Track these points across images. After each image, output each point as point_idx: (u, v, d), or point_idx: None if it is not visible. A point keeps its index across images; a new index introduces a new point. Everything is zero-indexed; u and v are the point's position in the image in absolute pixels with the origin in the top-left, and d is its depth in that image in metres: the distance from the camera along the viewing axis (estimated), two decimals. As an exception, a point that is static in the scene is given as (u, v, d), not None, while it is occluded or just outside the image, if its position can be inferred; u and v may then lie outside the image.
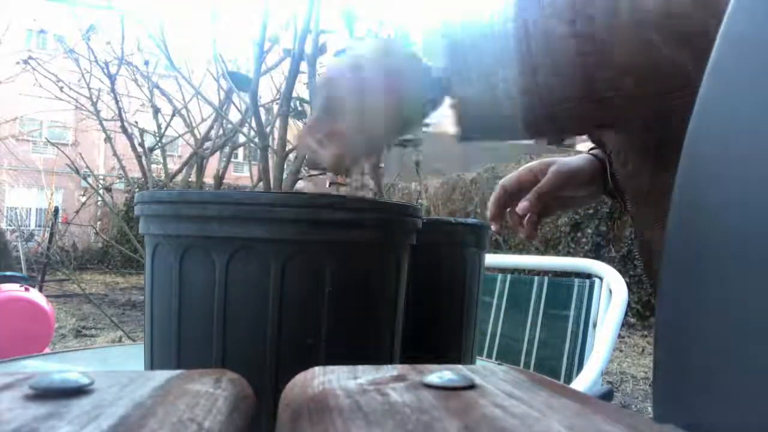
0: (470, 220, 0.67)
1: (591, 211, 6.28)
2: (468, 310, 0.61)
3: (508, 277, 1.73)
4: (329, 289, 0.43)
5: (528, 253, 6.61)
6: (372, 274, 0.46)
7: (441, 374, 0.24)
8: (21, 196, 13.99)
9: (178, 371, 0.27)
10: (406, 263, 0.49)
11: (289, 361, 0.42)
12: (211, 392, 0.24)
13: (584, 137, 0.70)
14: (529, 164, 0.76)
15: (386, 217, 0.46)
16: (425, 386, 0.24)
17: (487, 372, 0.27)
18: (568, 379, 1.44)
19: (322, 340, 0.43)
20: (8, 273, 3.05)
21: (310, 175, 0.63)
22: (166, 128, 2.32)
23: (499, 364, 0.99)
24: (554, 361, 1.53)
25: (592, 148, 0.74)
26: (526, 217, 0.71)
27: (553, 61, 0.44)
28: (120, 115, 2.17)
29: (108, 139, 2.21)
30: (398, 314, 0.48)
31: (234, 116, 2.47)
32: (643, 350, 4.76)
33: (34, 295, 2.75)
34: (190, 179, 2.49)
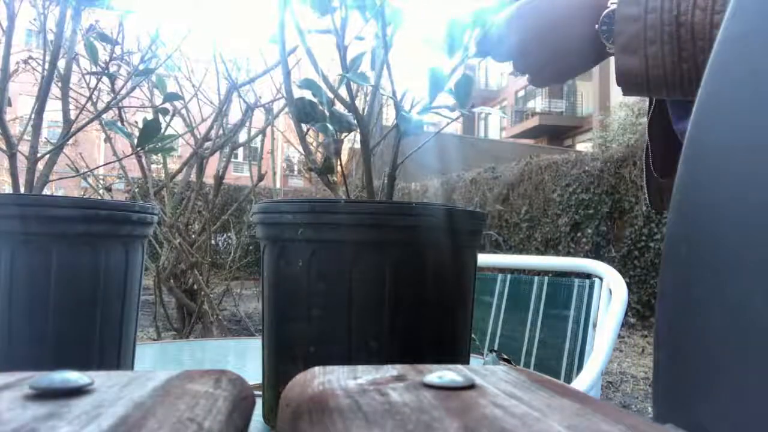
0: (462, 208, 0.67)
1: (591, 211, 6.28)
2: (463, 306, 0.61)
3: (508, 277, 1.73)
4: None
5: (528, 253, 6.61)
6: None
7: (441, 374, 0.24)
8: (21, 196, 13.94)
9: (178, 371, 0.27)
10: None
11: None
12: (211, 392, 0.24)
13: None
14: None
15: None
16: (425, 386, 0.24)
17: (487, 372, 0.27)
18: (568, 379, 1.44)
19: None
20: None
21: (309, 169, 0.64)
22: (166, 128, 2.32)
23: (500, 360, 0.99)
24: (554, 361, 1.53)
25: None
26: None
27: None
28: (120, 115, 2.17)
29: (108, 139, 2.21)
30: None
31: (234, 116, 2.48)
32: (643, 350, 4.76)
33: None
34: (190, 179, 2.49)
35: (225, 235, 5.76)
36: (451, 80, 0.60)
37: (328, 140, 0.60)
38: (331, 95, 0.60)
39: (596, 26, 0.57)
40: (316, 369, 0.27)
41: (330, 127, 0.59)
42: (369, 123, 0.60)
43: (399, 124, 0.58)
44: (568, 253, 6.25)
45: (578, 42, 0.59)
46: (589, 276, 1.55)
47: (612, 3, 0.55)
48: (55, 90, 0.86)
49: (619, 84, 0.56)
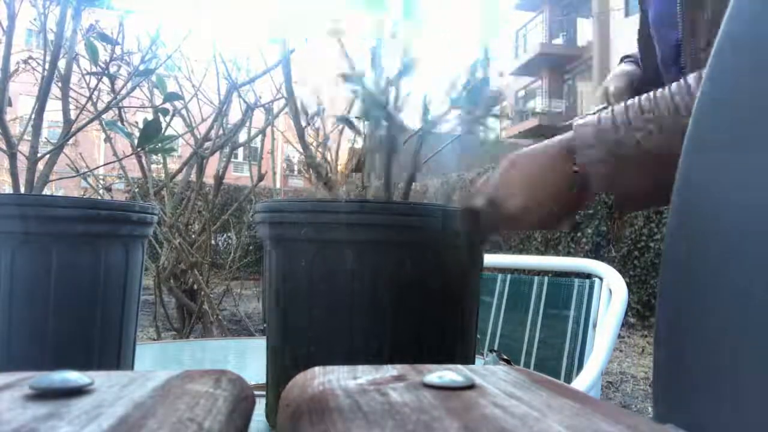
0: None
1: (591, 211, 6.27)
2: (467, 306, 0.60)
3: (508, 277, 1.73)
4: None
5: (528, 253, 6.61)
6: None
7: (441, 374, 0.24)
8: (21, 196, 13.96)
9: (178, 371, 0.27)
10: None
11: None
12: (211, 392, 0.24)
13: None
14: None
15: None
16: (425, 386, 0.24)
17: (487, 372, 0.27)
18: (568, 379, 1.44)
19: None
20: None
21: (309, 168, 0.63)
22: (166, 128, 2.32)
23: (500, 361, 0.99)
24: (554, 361, 1.53)
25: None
26: None
27: None
28: (120, 115, 2.17)
29: (108, 139, 2.21)
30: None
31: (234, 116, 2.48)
32: (643, 350, 4.76)
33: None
34: (190, 179, 2.49)
35: (225, 235, 5.76)
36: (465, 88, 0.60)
37: (382, 137, 0.61)
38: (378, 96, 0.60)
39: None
40: (316, 369, 0.27)
41: (383, 122, 0.60)
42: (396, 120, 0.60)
43: (423, 128, 0.58)
44: (568, 253, 6.24)
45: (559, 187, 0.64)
46: (589, 276, 1.55)
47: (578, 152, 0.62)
48: (55, 90, 0.86)
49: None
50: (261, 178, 2.62)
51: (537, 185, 0.64)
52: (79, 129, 0.87)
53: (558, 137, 0.68)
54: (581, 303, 1.52)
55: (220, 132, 2.38)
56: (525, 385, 0.25)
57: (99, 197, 2.59)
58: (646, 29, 0.84)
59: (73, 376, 0.23)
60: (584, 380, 1.22)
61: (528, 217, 0.65)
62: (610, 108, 0.62)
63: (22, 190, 0.73)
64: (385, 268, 0.49)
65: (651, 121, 0.59)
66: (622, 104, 0.62)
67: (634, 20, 0.87)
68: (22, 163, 0.75)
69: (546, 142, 0.68)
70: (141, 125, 0.77)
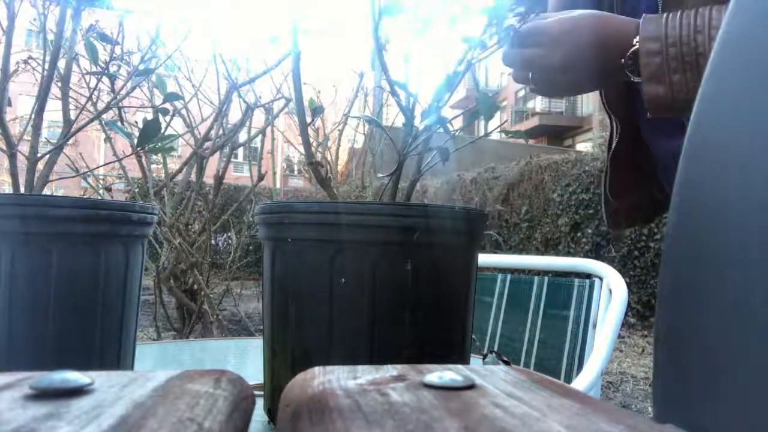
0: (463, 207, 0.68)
1: (591, 211, 6.27)
2: (464, 306, 0.60)
3: (508, 277, 1.73)
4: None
5: (528, 253, 6.61)
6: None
7: (441, 374, 0.24)
8: (21, 196, 13.98)
9: (178, 371, 0.27)
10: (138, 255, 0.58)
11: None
12: (211, 392, 0.24)
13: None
14: None
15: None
16: (425, 386, 0.24)
17: (487, 372, 0.27)
18: (568, 379, 1.44)
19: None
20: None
21: (310, 163, 0.63)
22: (166, 128, 2.31)
23: (500, 362, 0.99)
24: (554, 361, 1.53)
25: None
26: None
27: None
28: (120, 115, 2.17)
29: (108, 139, 2.21)
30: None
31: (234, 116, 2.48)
32: (643, 350, 4.76)
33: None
34: (190, 179, 2.49)
35: (225, 235, 5.76)
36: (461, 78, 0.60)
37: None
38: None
39: (621, 60, 0.64)
40: (316, 369, 0.27)
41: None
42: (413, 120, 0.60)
43: (431, 127, 0.58)
44: (568, 253, 6.24)
45: (606, 66, 0.67)
46: (589, 276, 1.55)
47: (636, 41, 0.63)
48: (55, 90, 0.86)
49: (648, 109, 0.63)
50: (261, 178, 2.61)
51: (592, 51, 0.67)
52: (79, 129, 0.87)
53: (624, 19, 0.69)
54: (581, 303, 1.52)
55: (220, 132, 2.38)
56: (525, 385, 0.25)
57: (99, 197, 2.60)
58: None
59: (73, 376, 0.23)
60: (584, 380, 1.22)
61: (574, 73, 0.69)
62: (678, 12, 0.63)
63: (22, 190, 0.73)
64: (383, 268, 0.49)
65: (714, 27, 0.59)
66: (692, 11, 0.62)
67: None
68: (22, 163, 0.75)
69: (612, 17, 0.70)
70: (141, 125, 0.77)
